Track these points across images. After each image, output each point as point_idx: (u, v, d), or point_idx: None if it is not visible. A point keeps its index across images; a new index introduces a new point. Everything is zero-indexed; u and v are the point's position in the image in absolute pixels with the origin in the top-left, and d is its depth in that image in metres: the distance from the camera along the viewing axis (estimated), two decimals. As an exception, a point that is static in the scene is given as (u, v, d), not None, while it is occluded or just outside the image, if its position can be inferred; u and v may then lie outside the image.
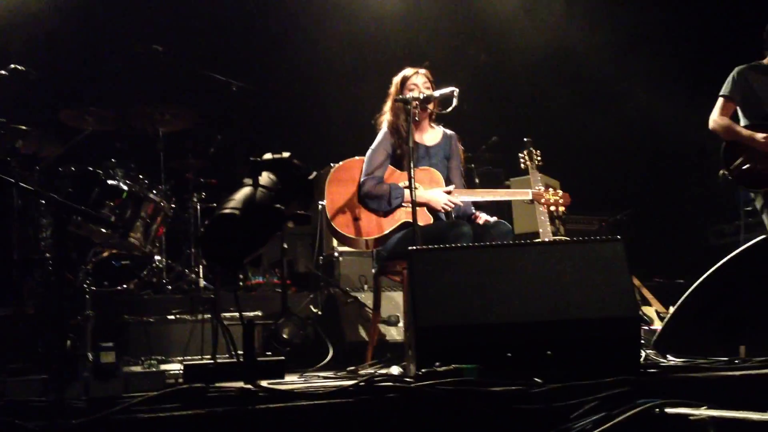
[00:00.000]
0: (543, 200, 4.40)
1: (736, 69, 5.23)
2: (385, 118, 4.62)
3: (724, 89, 5.24)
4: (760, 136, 5.00)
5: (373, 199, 4.40)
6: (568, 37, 7.88)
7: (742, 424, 1.89)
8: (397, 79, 4.59)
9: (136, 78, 7.16)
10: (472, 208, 4.57)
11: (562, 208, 4.42)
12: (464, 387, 2.42)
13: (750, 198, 5.38)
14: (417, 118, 4.37)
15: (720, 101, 5.24)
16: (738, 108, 5.24)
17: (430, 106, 4.53)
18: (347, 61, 7.68)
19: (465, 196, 4.47)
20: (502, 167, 7.24)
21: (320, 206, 4.52)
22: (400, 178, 4.48)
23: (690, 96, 6.99)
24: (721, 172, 5.16)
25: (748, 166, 5.01)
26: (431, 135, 4.67)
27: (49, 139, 5.39)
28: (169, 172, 6.18)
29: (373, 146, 4.56)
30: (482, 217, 4.44)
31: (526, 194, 4.44)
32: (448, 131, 4.72)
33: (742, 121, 5.23)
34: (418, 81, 4.51)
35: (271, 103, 7.62)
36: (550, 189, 4.42)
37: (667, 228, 8.27)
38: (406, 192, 4.31)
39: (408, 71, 4.56)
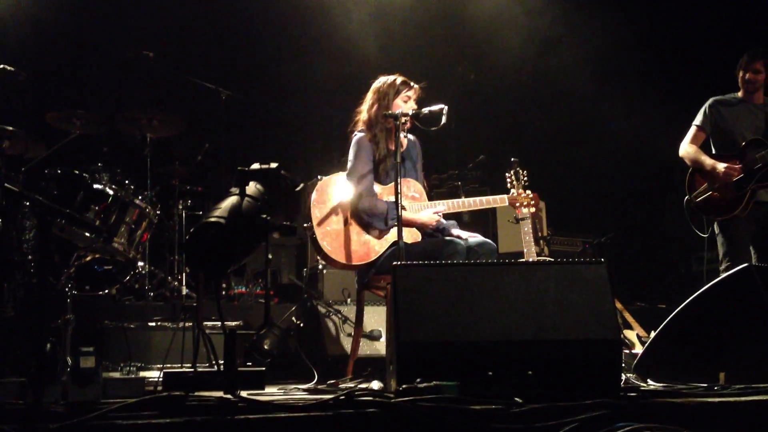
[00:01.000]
0: (518, 203, 4.47)
1: (710, 100, 5.40)
2: (362, 123, 4.53)
3: (697, 119, 5.40)
4: (721, 166, 5.13)
5: (372, 216, 4.33)
6: (557, 58, 7.94)
7: (720, 450, 1.90)
8: (385, 85, 4.46)
9: (124, 83, 7.15)
10: (456, 226, 4.56)
11: (533, 209, 4.49)
12: (444, 404, 2.41)
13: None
14: (405, 134, 4.38)
15: (692, 130, 5.41)
16: (710, 138, 5.39)
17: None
18: (335, 74, 7.69)
19: (445, 208, 4.45)
20: (488, 186, 7.27)
21: (305, 226, 4.41)
22: (383, 193, 4.46)
23: (677, 119, 7.06)
24: (686, 198, 5.32)
25: (708, 194, 5.17)
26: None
27: (35, 141, 5.36)
28: (155, 178, 6.16)
29: (352, 156, 4.44)
30: (463, 235, 4.43)
31: (503, 201, 4.48)
32: (411, 136, 4.66)
33: (713, 151, 5.37)
34: (411, 95, 4.47)
35: (259, 113, 7.63)
36: (520, 188, 4.48)
37: (650, 252, 8.32)
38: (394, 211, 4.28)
39: (400, 80, 4.45)
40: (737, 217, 5.08)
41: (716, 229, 5.31)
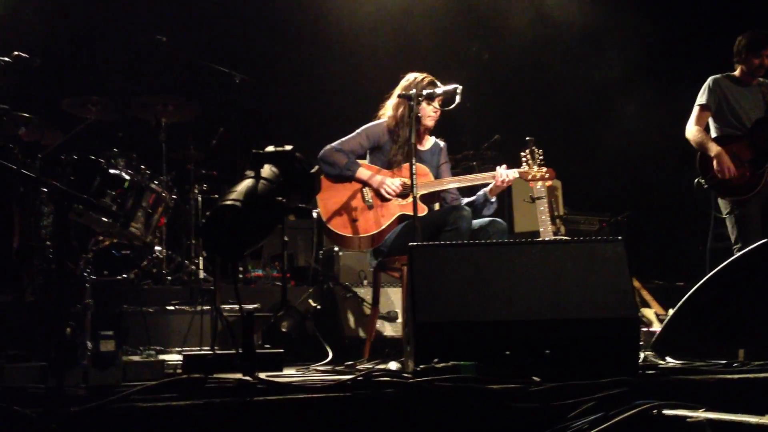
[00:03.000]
0: (530, 176, 4.46)
1: (711, 78, 5.36)
2: (387, 114, 4.64)
3: (701, 98, 5.35)
4: (716, 150, 5.10)
5: (327, 163, 4.48)
6: (573, 35, 7.87)
7: (739, 427, 1.90)
8: (413, 82, 4.52)
9: (139, 68, 7.15)
10: (462, 202, 4.61)
11: (548, 183, 4.48)
12: (462, 384, 2.41)
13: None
14: (420, 114, 4.41)
15: (696, 110, 5.36)
16: (711, 117, 5.36)
17: (430, 124, 4.61)
18: (349, 56, 7.68)
19: (455, 183, 4.56)
20: (504, 166, 7.24)
21: (315, 213, 4.55)
22: (394, 174, 4.52)
23: (694, 97, 6.99)
24: (697, 180, 5.29)
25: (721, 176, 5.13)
26: (426, 142, 4.77)
27: (51, 128, 5.39)
28: (171, 162, 6.17)
29: (361, 129, 4.61)
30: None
31: (513, 175, 4.48)
32: (440, 142, 4.82)
33: (713, 131, 5.35)
34: (437, 98, 4.52)
35: (274, 96, 7.62)
36: (535, 166, 4.46)
37: (667, 230, 8.27)
38: (362, 170, 4.47)
39: (427, 80, 4.50)
40: (751, 198, 5.07)
41: (724, 210, 5.29)
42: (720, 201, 5.36)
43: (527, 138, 4.64)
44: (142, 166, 4.99)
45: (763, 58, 5.22)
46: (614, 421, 2.18)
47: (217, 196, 6.57)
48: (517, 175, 4.48)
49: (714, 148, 5.17)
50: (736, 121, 5.23)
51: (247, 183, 3.09)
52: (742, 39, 5.33)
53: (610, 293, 2.90)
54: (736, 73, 5.37)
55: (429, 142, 4.77)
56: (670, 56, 7.82)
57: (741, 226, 5.14)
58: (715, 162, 5.13)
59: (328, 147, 4.54)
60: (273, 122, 7.67)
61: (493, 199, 4.56)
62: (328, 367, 4.10)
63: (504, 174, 4.43)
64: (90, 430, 2.06)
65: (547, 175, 4.47)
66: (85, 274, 4.41)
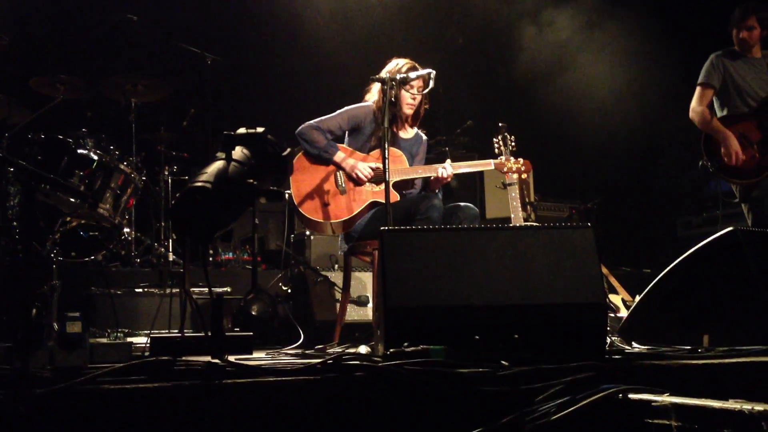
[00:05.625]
0: (506, 169, 4.48)
1: (713, 55, 5.17)
2: (373, 98, 4.63)
3: (703, 76, 5.14)
4: (726, 135, 4.92)
5: (306, 141, 4.47)
6: (545, 22, 7.89)
7: (703, 411, 1.93)
8: (394, 68, 4.48)
9: (109, 47, 7.06)
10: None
11: (524, 175, 4.52)
12: (431, 368, 2.42)
13: (730, 188, 5.29)
14: (393, 99, 4.39)
15: (698, 90, 5.15)
16: (714, 96, 5.17)
17: (408, 111, 4.59)
18: (322, 38, 7.63)
19: (429, 172, 4.51)
20: (476, 151, 7.27)
21: (287, 195, 4.52)
22: (366, 158, 4.50)
23: (664, 86, 7.04)
24: (701, 162, 5.08)
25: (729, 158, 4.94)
26: (407, 131, 4.74)
27: (18, 107, 5.31)
28: (141, 143, 6.11)
29: (343, 109, 4.57)
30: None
31: (488, 165, 4.50)
32: (423, 134, 4.79)
33: (719, 110, 5.19)
34: (414, 84, 4.48)
35: (246, 78, 7.56)
36: (512, 158, 4.48)
37: (636, 218, 8.36)
38: (339, 153, 4.45)
39: (419, 73, 4.40)
40: (763, 180, 4.89)
41: (738, 195, 5.08)
42: (732, 186, 5.14)
43: (500, 124, 4.65)
44: (112, 147, 4.93)
45: (742, 30, 5.06)
46: (581, 405, 2.20)
47: (187, 177, 6.52)
48: (492, 167, 4.49)
49: (721, 131, 4.95)
50: (743, 98, 5.05)
51: (217, 165, 3.06)
52: (732, 13, 5.17)
53: (579, 279, 2.92)
54: (736, 46, 5.18)
55: (412, 132, 4.75)
56: (641, 41, 7.84)
57: (757, 210, 4.93)
58: (723, 146, 4.91)
59: (306, 124, 4.51)
60: (245, 104, 7.62)
61: (437, 192, 4.56)
62: (298, 351, 4.09)
63: (442, 170, 4.41)
64: (56, 413, 2.03)
65: (523, 168, 4.49)
66: (52, 255, 4.36)
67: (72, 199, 4.51)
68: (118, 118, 6.19)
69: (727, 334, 3.16)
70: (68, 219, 4.73)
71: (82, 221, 4.98)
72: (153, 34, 6.43)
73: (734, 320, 3.25)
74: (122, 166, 4.88)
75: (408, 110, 4.59)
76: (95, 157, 4.68)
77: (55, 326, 3.77)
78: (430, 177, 4.49)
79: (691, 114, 5.17)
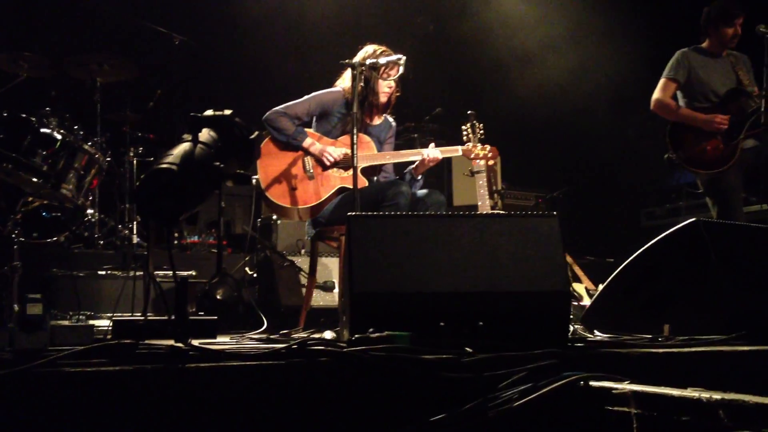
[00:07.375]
0: (473, 155, 4.50)
1: (680, 51, 5.26)
2: (344, 85, 4.59)
3: (668, 71, 5.24)
4: (701, 116, 5.03)
5: (274, 128, 4.44)
6: (515, 10, 7.90)
7: (662, 399, 1.95)
8: (370, 51, 4.45)
9: (74, 25, 6.93)
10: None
11: (491, 162, 4.54)
12: (396, 354, 2.43)
13: (694, 180, 5.39)
14: (370, 87, 4.40)
15: (662, 82, 5.24)
16: (681, 90, 5.26)
17: (382, 100, 4.57)
18: (292, 22, 7.57)
19: (398, 158, 4.54)
20: (445, 138, 7.28)
21: (254, 180, 4.50)
22: (335, 143, 4.49)
23: (631, 77, 7.09)
24: (667, 155, 5.16)
25: (696, 149, 5.03)
26: (377, 119, 4.73)
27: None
28: (106, 124, 6.02)
29: (312, 95, 4.54)
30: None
31: (455, 151, 4.52)
32: (392, 120, 4.79)
33: (682, 104, 5.27)
34: (392, 74, 4.48)
35: (214, 59, 7.48)
36: (479, 144, 4.49)
37: (600, 208, 8.45)
38: (309, 139, 4.44)
39: (389, 59, 4.38)
40: (727, 170, 4.96)
41: (702, 187, 5.17)
42: (697, 178, 5.22)
43: (469, 112, 4.66)
44: (76, 127, 4.85)
45: (736, 27, 5.09)
46: (542, 392, 2.22)
47: (153, 159, 6.44)
48: (440, 156, 4.48)
49: (692, 113, 5.05)
50: (706, 94, 5.13)
51: (184, 147, 3.03)
52: (710, 10, 5.19)
53: (544, 267, 2.94)
54: (705, 45, 5.25)
55: (381, 118, 4.74)
56: (612, 29, 7.88)
57: (722, 201, 5.01)
58: (703, 124, 4.98)
59: (273, 110, 4.47)
60: (212, 86, 7.54)
61: (419, 178, 4.57)
62: (263, 336, 4.08)
63: (428, 153, 4.43)
64: (15, 395, 2.01)
65: (490, 155, 4.51)
66: (13, 235, 4.29)
67: (34, 179, 4.43)
68: (83, 97, 6.08)
69: (688, 323, 3.21)
70: (30, 199, 4.66)
71: (45, 201, 4.90)
72: (119, 12, 6.33)
73: (695, 310, 3.30)
74: (86, 147, 4.81)
75: (383, 99, 4.57)
76: (59, 137, 4.60)
77: (16, 308, 3.72)
78: (414, 162, 4.48)
79: (654, 105, 5.26)
